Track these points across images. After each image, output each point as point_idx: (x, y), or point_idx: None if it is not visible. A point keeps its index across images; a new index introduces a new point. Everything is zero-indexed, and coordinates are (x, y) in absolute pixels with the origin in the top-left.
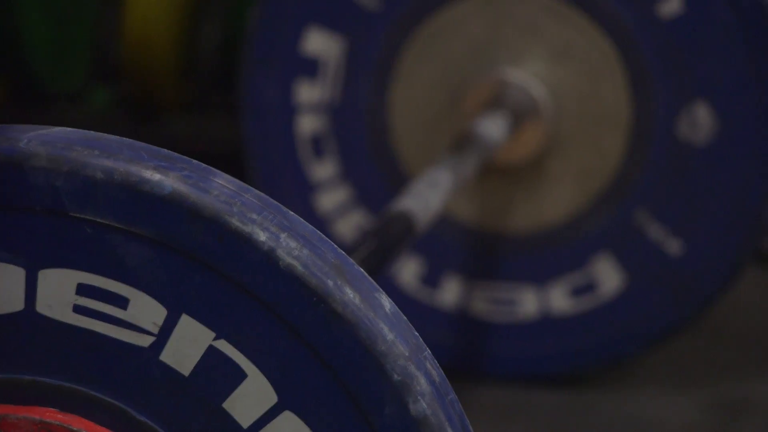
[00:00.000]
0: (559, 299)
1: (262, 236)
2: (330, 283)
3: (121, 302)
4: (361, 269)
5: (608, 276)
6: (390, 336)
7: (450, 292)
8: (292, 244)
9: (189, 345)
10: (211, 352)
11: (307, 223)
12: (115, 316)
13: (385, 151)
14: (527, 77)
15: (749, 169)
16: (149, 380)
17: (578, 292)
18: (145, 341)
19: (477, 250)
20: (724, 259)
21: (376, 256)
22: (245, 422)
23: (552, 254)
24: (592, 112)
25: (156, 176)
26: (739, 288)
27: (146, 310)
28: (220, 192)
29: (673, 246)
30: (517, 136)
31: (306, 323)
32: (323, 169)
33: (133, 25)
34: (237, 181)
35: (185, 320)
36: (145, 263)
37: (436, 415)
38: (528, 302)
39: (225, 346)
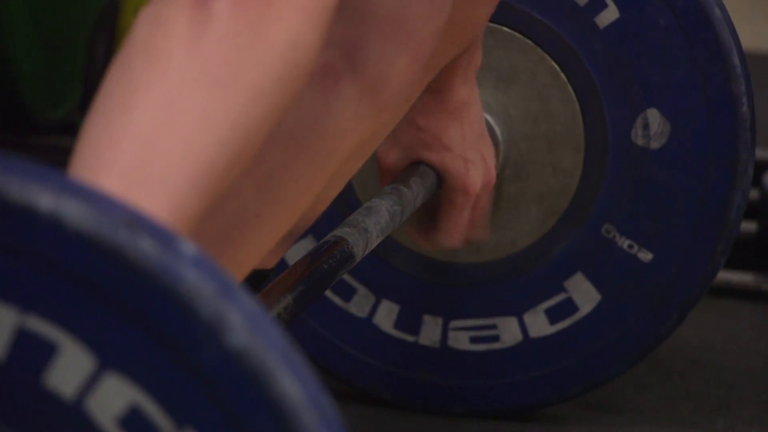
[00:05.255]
0: (539, 325)
1: (43, 202)
2: (122, 236)
3: None
4: (158, 221)
5: (584, 295)
6: (193, 278)
7: (429, 332)
8: (78, 205)
9: None
10: (20, 330)
11: (95, 187)
12: None
13: (343, 195)
14: None
15: (706, 169)
16: None
17: (557, 315)
18: None
19: (450, 286)
20: (695, 264)
21: (311, 283)
22: (68, 392)
23: (526, 281)
24: (545, 132)
25: None
26: (734, 327)
27: None
28: None
29: (644, 256)
30: None
31: (106, 280)
32: None
33: None
34: (14, 156)
35: None
36: None
37: (254, 346)
38: (509, 332)
39: (32, 322)
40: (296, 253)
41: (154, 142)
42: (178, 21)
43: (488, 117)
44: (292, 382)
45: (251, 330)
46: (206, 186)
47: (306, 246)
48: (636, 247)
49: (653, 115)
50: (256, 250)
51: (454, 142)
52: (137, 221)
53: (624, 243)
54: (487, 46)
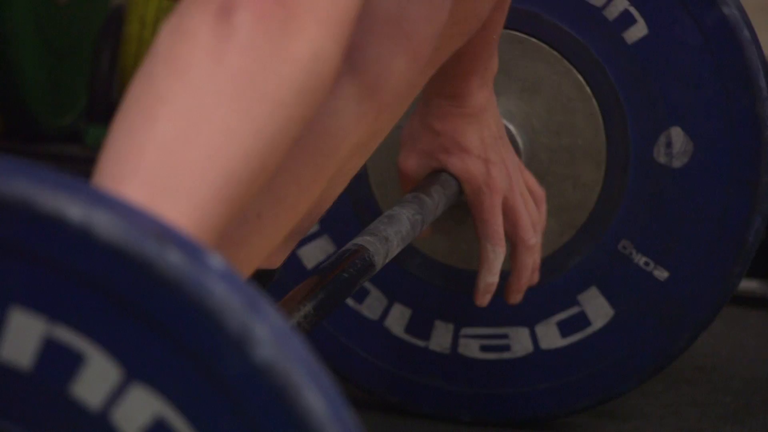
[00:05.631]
0: (550, 337)
1: (73, 212)
2: (150, 248)
3: None
4: (186, 233)
5: (598, 310)
6: (220, 291)
7: (440, 338)
8: (106, 216)
9: (24, 337)
10: (48, 339)
11: (123, 199)
12: None
13: (357, 188)
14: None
15: (727, 191)
16: None
17: (569, 328)
18: None
19: (464, 293)
20: (710, 285)
21: (331, 291)
22: (94, 402)
23: (540, 292)
24: (567, 145)
25: None
26: (741, 335)
27: None
28: (25, 177)
29: (659, 274)
30: None
31: (133, 292)
32: None
33: (128, 63)
34: (44, 167)
35: (14, 312)
36: None
37: (279, 360)
38: (520, 342)
39: (60, 331)
40: (312, 254)
41: (178, 152)
42: (200, 33)
43: (510, 127)
44: (317, 396)
45: (277, 344)
46: (229, 196)
47: (322, 246)
48: (652, 265)
49: (676, 134)
50: (258, 251)
51: (473, 144)
52: (166, 233)
53: (640, 260)
54: (514, 56)
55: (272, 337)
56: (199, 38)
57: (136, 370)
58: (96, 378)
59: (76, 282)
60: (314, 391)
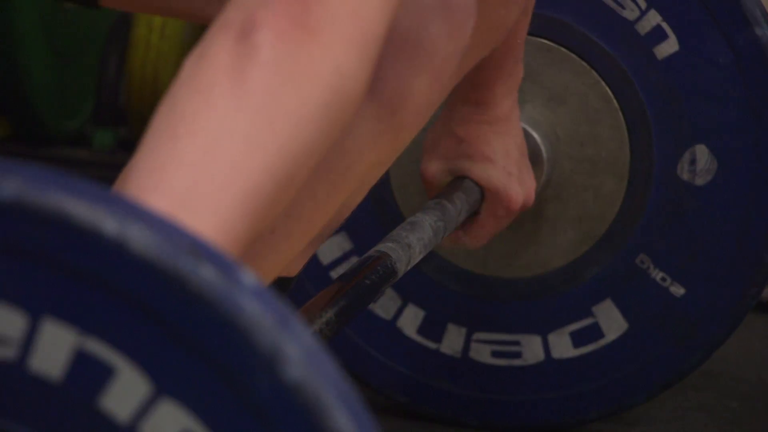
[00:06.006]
0: (563, 346)
1: (109, 226)
2: (184, 263)
3: None
4: (220, 249)
5: (611, 322)
6: (252, 309)
7: (452, 341)
8: (142, 230)
9: (54, 348)
10: (78, 351)
11: (157, 211)
12: None
13: (378, 188)
14: (524, 121)
15: (748, 211)
16: (20, 391)
17: (581, 339)
18: (10, 352)
19: (478, 298)
20: (725, 304)
21: (352, 297)
22: (123, 416)
23: (554, 302)
24: (591, 156)
25: None
26: (748, 339)
27: (5, 320)
28: (61, 189)
29: (675, 291)
30: None
31: (166, 306)
32: None
33: (135, 67)
34: (83, 179)
35: (46, 323)
36: None
37: (309, 380)
38: (531, 350)
39: (91, 344)
40: (329, 251)
41: (201, 166)
42: (221, 54)
43: (535, 135)
44: (347, 418)
45: (308, 363)
46: (252, 210)
47: (339, 243)
48: (669, 281)
49: (701, 152)
50: (272, 266)
51: (498, 154)
52: (200, 248)
53: (657, 275)
54: (542, 64)
55: (303, 357)
56: (221, 59)
57: (166, 384)
58: (125, 391)
59: (109, 295)
60: (343, 412)
